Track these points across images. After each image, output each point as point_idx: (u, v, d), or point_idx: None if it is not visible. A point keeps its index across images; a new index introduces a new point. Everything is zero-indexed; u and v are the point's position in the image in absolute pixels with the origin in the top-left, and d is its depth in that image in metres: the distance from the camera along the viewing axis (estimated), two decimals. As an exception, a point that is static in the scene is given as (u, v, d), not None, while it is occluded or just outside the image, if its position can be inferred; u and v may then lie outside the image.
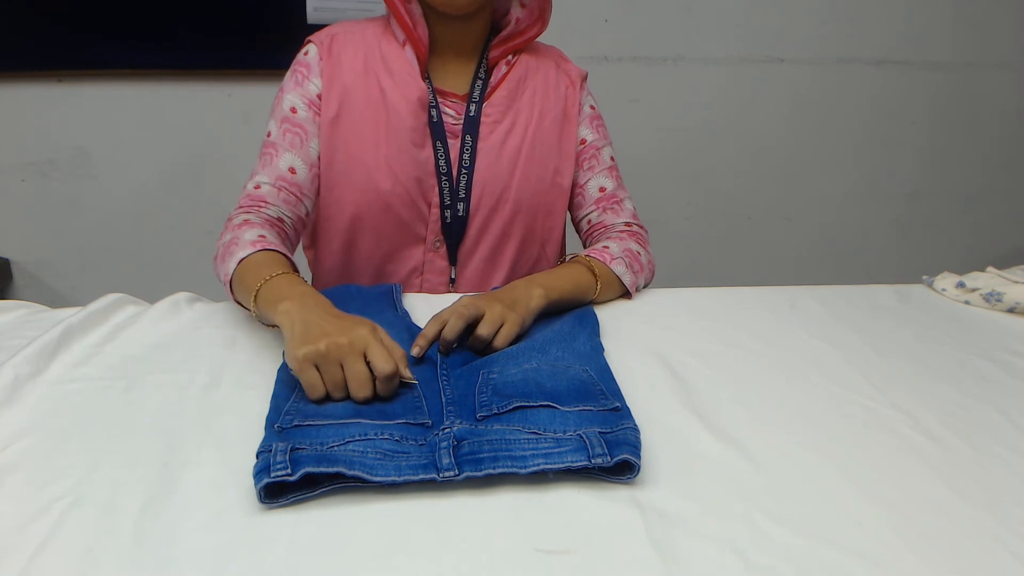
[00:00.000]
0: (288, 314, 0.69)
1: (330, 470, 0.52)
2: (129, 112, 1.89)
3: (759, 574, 0.48)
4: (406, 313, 0.88)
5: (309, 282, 0.83)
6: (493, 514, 0.53)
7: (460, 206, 1.02)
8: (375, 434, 0.58)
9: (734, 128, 2.19)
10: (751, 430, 0.65)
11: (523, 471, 0.55)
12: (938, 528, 0.54)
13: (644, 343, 0.83)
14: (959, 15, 2.16)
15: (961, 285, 1.03)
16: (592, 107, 1.10)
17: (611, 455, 0.56)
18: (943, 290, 1.05)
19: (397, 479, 0.53)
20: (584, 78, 1.09)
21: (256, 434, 0.60)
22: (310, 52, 1.00)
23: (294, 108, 0.98)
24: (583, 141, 1.08)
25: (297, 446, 0.55)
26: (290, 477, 0.52)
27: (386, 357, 0.63)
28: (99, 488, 0.55)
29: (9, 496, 0.54)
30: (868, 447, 0.64)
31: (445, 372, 0.71)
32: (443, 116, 1.00)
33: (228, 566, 0.47)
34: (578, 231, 1.14)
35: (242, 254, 0.82)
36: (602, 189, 1.08)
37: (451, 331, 0.74)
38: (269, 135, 0.99)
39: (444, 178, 1.00)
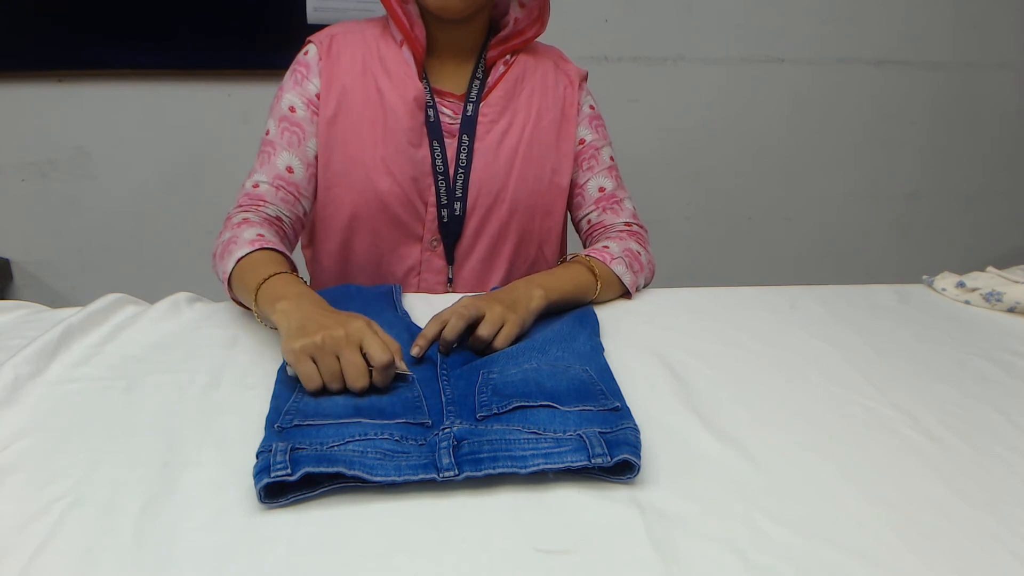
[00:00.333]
0: (285, 313, 0.70)
1: (330, 470, 0.52)
2: (129, 112, 1.89)
3: (759, 574, 0.48)
4: (406, 313, 0.88)
5: (307, 281, 0.83)
6: (493, 514, 0.53)
7: (457, 205, 1.02)
8: (375, 434, 0.58)
9: (734, 128, 2.19)
10: (751, 430, 0.65)
11: (523, 471, 0.55)
12: (938, 528, 0.54)
13: (644, 343, 0.83)
14: (959, 15, 2.16)
15: (961, 285, 1.03)
16: (592, 107, 1.10)
17: (611, 455, 0.56)
18: (943, 290, 1.05)
19: (397, 479, 0.53)
20: (584, 78, 1.09)
21: (256, 434, 0.60)
22: (310, 52, 1.00)
23: (293, 107, 0.98)
24: (582, 141, 1.08)
25: (297, 446, 0.55)
26: (290, 477, 0.52)
27: (382, 347, 0.64)
28: (99, 488, 0.55)
29: (9, 496, 0.54)
30: (868, 447, 0.64)
31: (445, 372, 0.71)
32: (440, 116, 1.00)
33: (228, 566, 0.47)
34: (578, 231, 1.14)
35: (241, 253, 0.82)
36: (602, 189, 1.08)
37: (451, 331, 0.74)
38: (268, 133, 0.99)
39: (441, 178, 1.00)
